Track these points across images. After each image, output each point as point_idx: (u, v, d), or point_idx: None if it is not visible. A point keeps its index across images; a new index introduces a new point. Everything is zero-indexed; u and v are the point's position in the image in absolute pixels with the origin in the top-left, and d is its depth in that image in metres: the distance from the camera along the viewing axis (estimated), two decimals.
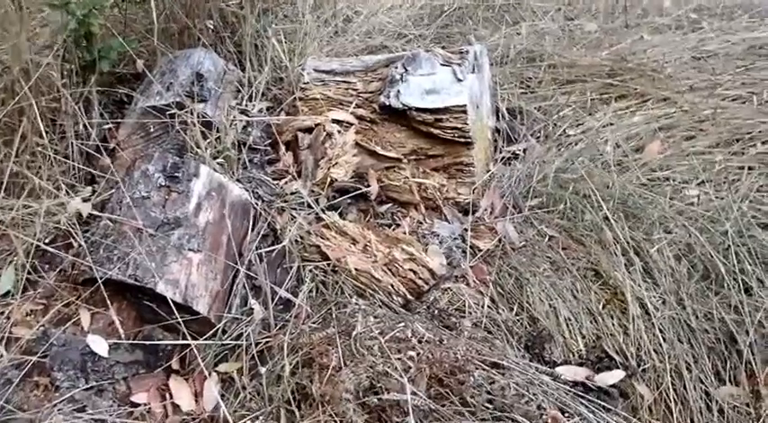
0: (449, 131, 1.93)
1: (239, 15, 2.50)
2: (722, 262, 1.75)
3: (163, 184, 1.73)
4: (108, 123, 2.02)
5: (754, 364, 1.62)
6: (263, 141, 2.03)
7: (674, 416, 1.59)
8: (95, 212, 1.71)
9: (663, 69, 2.38)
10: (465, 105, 1.90)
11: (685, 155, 2.12)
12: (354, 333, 1.40)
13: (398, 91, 1.94)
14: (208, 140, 1.95)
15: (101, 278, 1.58)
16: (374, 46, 2.52)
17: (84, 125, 2.03)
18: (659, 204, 1.93)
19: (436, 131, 1.94)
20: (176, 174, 1.74)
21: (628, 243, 1.85)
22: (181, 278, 1.63)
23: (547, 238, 1.92)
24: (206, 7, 2.39)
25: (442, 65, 1.95)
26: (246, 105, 2.14)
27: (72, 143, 2.00)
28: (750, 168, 2.06)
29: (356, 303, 1.60)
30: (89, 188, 2.01)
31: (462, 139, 1.94)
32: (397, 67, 1.97)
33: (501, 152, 2.22)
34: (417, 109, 1.92)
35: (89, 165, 2.02)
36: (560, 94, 2.40)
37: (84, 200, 1.92)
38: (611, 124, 2.25)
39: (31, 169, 1.95)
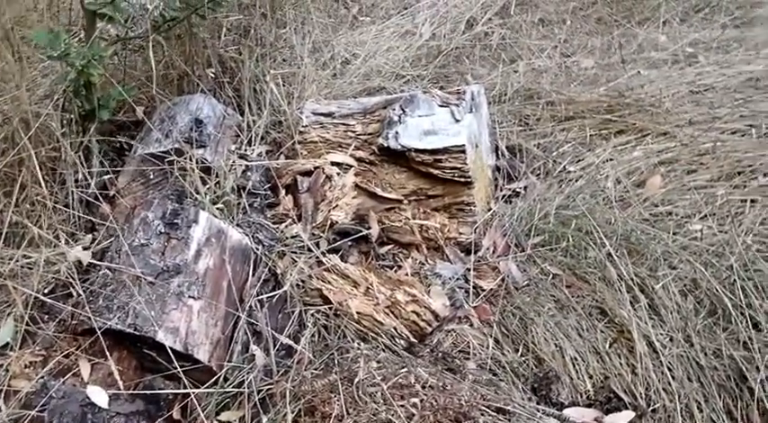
0: (448, 171, 1.93)
1: (237, 60, 2.54)
2: (729, 297, 1.72)
3: (162, 230, 1.72)
4: (108, 172, 2.02)
5: (766, 401, 1.58)
6: (262, 185, 2.03)
7: None
8: (95, 261, 1.70)
9: (661, 104, 2.38)
10: (463, 145, 1.90)
11: (687, 189, 2.10)
12: (357, 380, 1.37)
13: (397, 132, 1.94)
14: (207, 186, 1.95)
15: (100, 328, 1.57)
16: (372, 88, 2.54)
17: (84, 174, 2.04)
18: (662, 240, 1.91)
19: (436, 172, 1.94)
20: (175, 220, 1.74)
21: (632, 280, 1.83)
22: (181, 326, 1.62)
23: (550, 277, 1.90)
24: (204, 53, 2.42)
25: (439, 106, 1.96)
26: (245, 150, 2.15)
27: (72, 192, 2.01)
28: (753, 201, 2.04)
29: (358, 348, 1.57)
30: (89, 237, 2.01)
31: (462, 179, 1.94)
32: (394, 109, 1.98)
33: (502, 190, 2.21)
34: (416, 150, 1.92)
35: (89, 213, 2.02)
36: (559, 130, 2.40)
37: (85, 248, 1.92)
38: (611, 160, 2.24)
39: (31, 218, 1.95)
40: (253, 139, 2.21)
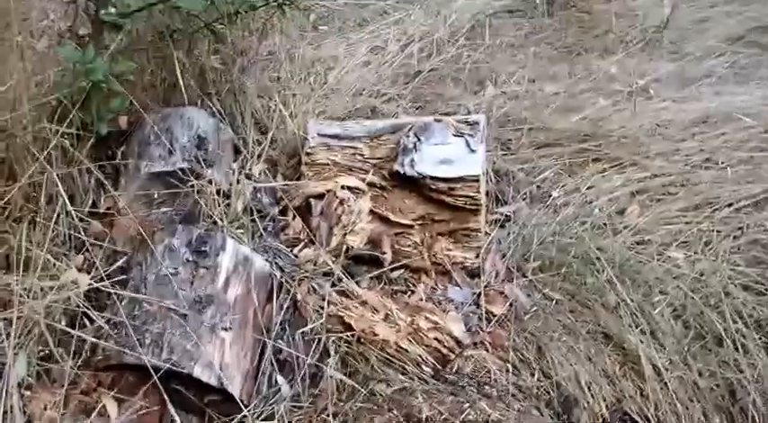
0: (461, 199, 1.99)
1: (218, 70, 2.46)
2: (718, 321, 1.90)
3: (190, 259, 1.66)
4: (104, 189, 1.91)
5: (757, 419, 1.75)
6: (272, 207, 2.00)
7: None
8: (119, 291, 1.61)
9: (630, 135, 2.55)
10: (478, 175, 1.96)
11: (661, 218, 2.28)
12: (423, 417, 1.40)
13: (413, 159, 1.97)
14: (219, 208, 1.89)
15: (134, 363, 1.50)
16: (363, 108, 2.54)
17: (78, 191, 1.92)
18: (651, 267, 2.06)
19: (449, 199, 1.99)
20: (203, 248, 1.68)
21: (629, 305, 1.96)
22: (215, 360, 1.57)
23: (554, 302, 2.00)
24: (188, 63, 2.33)
25: (454, 135, 2.00)
26: (248, 168, 2.10)
27: (68, 210, 1.88)
28: (719, 231, 2.24)
29: (402, 380, 1.59)
30: (80, 257, 1.89)
31: (473, 207, 2.00)
32: (409, 136, 2.01)
33: (493, 214, 2.29)
34: (432, 178, 1.96)
35: (83, 232, 1.90)
36: (539, 156, 2.52)
37: (79, 269, 1.81)
38: (592, 187, 2.38)
39: (18, 237, 1.81)
40: (250, 157, 2.16)
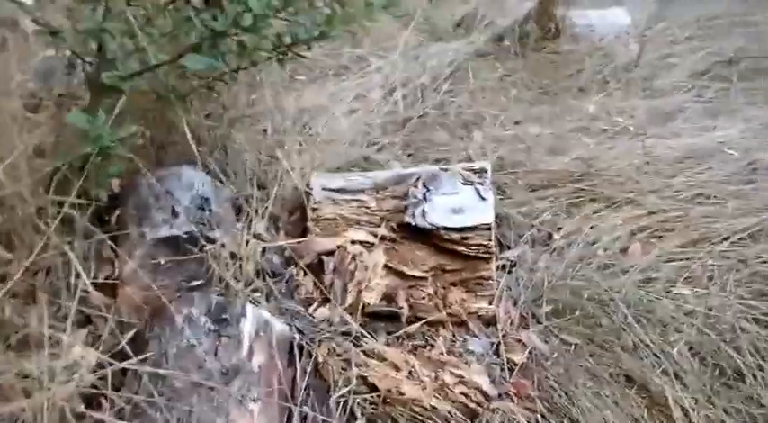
0: (473, 248, 1.96)
1: (206, 127, 2.41)
2: (736, 357, 1.90)
3: (212, 328, 1.59)
4: (112, 259, 1.83)
5: None
6: (283, 267, 1.94)
7: None
8: (140, 367, 1.52)
9: (621, 173, 2.59)
10: (490, 223, 1.95)
11: (663, 255, 2.30)
12: None
13: (423, 210, 1.95)
14: (230, 271, 1.83)
15: None
16: (357, 158, 2.52)
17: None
18: (663, 305, 2.07)
19: (461, 249, 1.97)
20: (224, 316, 1.61)
21: (647, 346, 1.96)
22: None
23: (573, 347, 1.99)
24: (180, 122, 2.27)
25: (463, 184, 1.99)
26: (252, 228, 2.04)
27: (68, 282, 1.79)
28: (720, 266, 2.27)
29: None
30: (83, 331, 1.80)
31: (486, 255, 1.98)
32: (417, 187, 1.99)
33: (499, 260, 2.27)
34: (445, 228, 1.94)
35: (84, 305, 1.81)
36: (535, 199, 2.53)
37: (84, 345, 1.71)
38: (592, 228, 2.39)
39: (19, 314, 1.71)
40: (254, 215, 2.10)
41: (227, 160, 2.40)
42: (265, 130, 2.63)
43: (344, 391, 1.70)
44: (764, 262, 2.28)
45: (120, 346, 1.66)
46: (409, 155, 2.74)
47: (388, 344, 1.90)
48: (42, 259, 1.76)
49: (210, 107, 2.44)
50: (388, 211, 2.05)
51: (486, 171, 2.04)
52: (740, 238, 2.35)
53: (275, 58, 1.65)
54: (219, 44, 1.53)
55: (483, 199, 1.97)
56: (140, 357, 1.48)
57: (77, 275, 1.83)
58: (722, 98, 3.39)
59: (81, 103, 2.10)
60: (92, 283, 1.83)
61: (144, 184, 2.05)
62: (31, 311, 1.75)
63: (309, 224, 2.05)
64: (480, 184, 1.99)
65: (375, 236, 2.00)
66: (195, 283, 1.82)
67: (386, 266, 1.96)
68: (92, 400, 1.56)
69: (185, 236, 1.80)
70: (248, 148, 2.47)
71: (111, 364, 1.52)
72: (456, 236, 1.95)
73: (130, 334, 1.69)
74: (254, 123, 2.63)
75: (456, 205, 1.96)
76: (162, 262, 1.84)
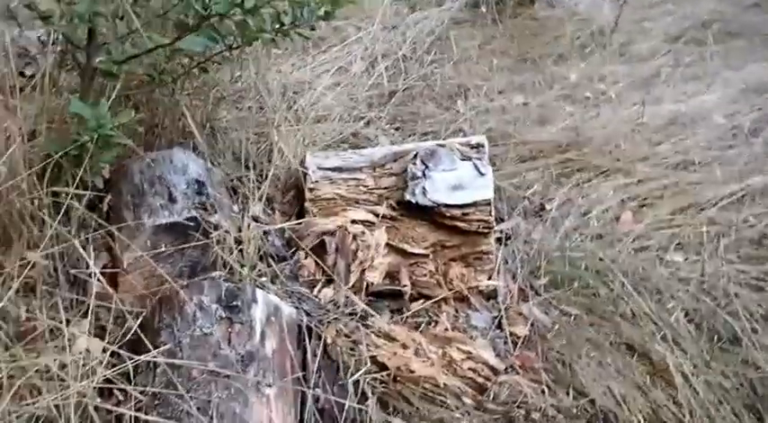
0: (475, 224, 1.97)
1: (199, 109, 2.35)
2: (731, 321, 1.96)
3: (223, 315, 1.57)
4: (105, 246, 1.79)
5: None
6: (286, 250, 1.92)
7: None
8: (156, 359, 1.49)
9: (608, 142, 2.62)
10: (490, 198, 1.95)
11: (654, 223, 2.34)
12: None
13: (424, 188, 1.94)
14: (232, 256, 1.81)
15: None
16: (346, 134, 2.49)
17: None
18: (658, 273, 2.12)
19: (463, 225, 1.97)
20: (235, 302, 1.59)
21: (645, 314, 2.00)
22: (265, 419, 1.49)
23: (573, 318, 2.02)
24: (170, 104, 2.21)
25: (462, 160, 1.99)
26: (250, 211, 2.01)
27: (68, 271, 1.75)
28: (708, 232, 2.32)
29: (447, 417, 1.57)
30: (85, 321, 1.76)
31: (485, 230, 1.99)
32: (415, 164, 1.98)
33: (494, 232, 2.28)
34: (446, 205, 1.94)
35: (84, 294, 1.78)
36: (525, 170, 2.54)
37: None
38: (583, 197, 2.42)
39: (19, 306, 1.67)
40: (249, 197, 2.07)
41: (215, 141, 2.35)
42: (251, 108, 2.58)
43: (359, 373, 1.70)
44: (751, 226, 2.35)
45: (129, 337, 1.64)
46: (396, 128, 2.72)
47: (394, 323, 1.91)
48: (40, 250, 1.72)
49: (194, 87, 2.38)
50: (386, 188, 2.04)
51: (483, 146, 2.03)
52: (728, 204, 2.40)
53: (278, 37, 1.60)
54: (219, 26, 1.48)
55: (482, 174, 1.97)
56: (160, 349, 1.45)
57: (77, 266, 1.80)
58: (699, 62, 3.42)
59: (62, 86, 2.04)
60: (93, 273, 1.80)
61: (136, 169, 2.00)
62: (31, 303, 1.71)
63: (307, 205, 2.03)
64: (479, 158, 1.99)
65: (375, 215, 1.99)
66: (200, 269, 1.79)
67: (387, 245, 1.96)
68: (103, 393, 1.54)
69: (188, 222, 1.77)
70: (236, 126, 2.42)
71: (129, 358, 1.50)
72: (457, 212, 1.95)
73: (136, 324, 1.66)
74: (238, 101, 2.58)
75: (455, 181, 1.96)
76: (164, 249, 1.81)
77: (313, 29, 1.62)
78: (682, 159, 2.58)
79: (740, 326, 1.96)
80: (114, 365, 1.50)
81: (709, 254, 2.21)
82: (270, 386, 1.54)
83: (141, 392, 1.47)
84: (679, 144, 2.63)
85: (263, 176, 2.19)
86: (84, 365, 1.54)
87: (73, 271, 1.77)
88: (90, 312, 1.73)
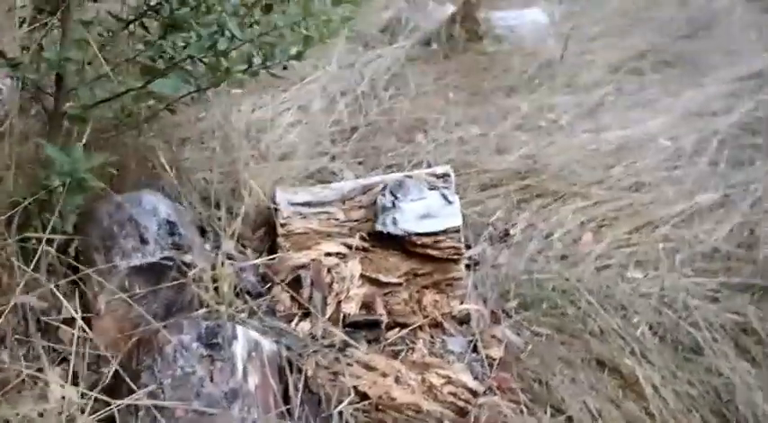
0: (446, 251, 2.02)
1: (163, 150, 2.36)
2: (693, 332, 2.05)
3: (204, 353, 1.57)
4: (84, 293, 1.77)
5: (749, 417, 1.90)
6: (260, 285, 1.94)
7: None
8: (123, 402, 1.47)
9: (564, 168, 2.72)
10: (459, 225, 2.01)
11: (613, 243, 2.44)
12: None
13: (394, 218, 1.99)
14: (209, 294, 1.81)
15: None
16: (312, 170, 2.53)
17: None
18: (621, 290, 2.20)
19: (434, 253, 2.02)
20: (215, 340, 1.59)
21: (613, 330, 2.08)
22: None
23: (544, 337, 2.08)
24: (135, 146, 2.22)
25: (429, 189, 2.05)
26: (222, 249, 2.02)
27: (39, 319, 1.73)
28: (663, 248, 2.43)
29: None
30: (57, 369, 1.73)
31: (455, 256, 2.04)
32: (384, 195, 2.03)
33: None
34: (417, 234, 1.99)
35: (56, 341, 1.75)
36: (486, 197, 2.62)
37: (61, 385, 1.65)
38: (544, 221, 2.51)
39: None
40: (221, 235, 2.09)
41: (181, 181, 2.36)
42: (214, 149, 2.60)
43: (342, 405, 1.71)
44: (701, 242, 2.46)
45: (107, 382, 1.63)
46: (360, 162, 2.78)
47: (370, 352, 1.93)
48: (9, 298, 1.70)
49: (158, 128, 2.40)
50: (356, 220, 2.08)
51: (449, 175, 2.10)
52: (679, 222, 2.52)
53: (249, 77, 1.64)
54: (193, 68, 1.51)
55: (450, 202, 2.03)
56: (143, 390, 1.44)
57: (46, 313, 1.78)
58: (639, 90, 3.61)
59: (28, 132, 2.03)
60: (63, 320, 1.78)
61: (104, 212, 2.00)
62: (1, 353, 1.68)
63: (280, 240, 2.05)
64: (446, 187, 2.05)
65: (348, 247, 2.03)
66: (175, 309, 1.79)
67: (361, 276, 1.99)
68: None
69: (164, 262, 1.77)
70: (201, 167, 2.44)
71: (108, 403, 1.48)
72: (427, 240, 2.00)
73: (111, 369, 1.65)
74: (202, 141, 2.60)
75: (424, 210, 2.01)
76: (138, 290, 1.80)
77: (285, 68, 1.67)
78: (634, 181, 2.70)
79: (701, 336, 2.05)
80: (96, 411, 1.48)
81: (666, 269, 2.31)
82: (255, 422, 1.54)
83: None
84: (630, 167, 2.76)
85: (233, 215, 2.21)
86: (59, 414, 1.52)
87: (44, 318, 1.74)
88: (68, 359, 1.72)
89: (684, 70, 3.87)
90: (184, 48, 1.57)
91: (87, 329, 1.60)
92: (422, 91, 3.41)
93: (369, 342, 1.97)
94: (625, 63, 3.93)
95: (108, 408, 1.45)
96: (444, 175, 2.10)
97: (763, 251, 2.37)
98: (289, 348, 1.79)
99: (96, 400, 1.54)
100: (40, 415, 1.51)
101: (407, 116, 3.15)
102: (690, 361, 2.03)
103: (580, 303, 2.14)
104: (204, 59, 1.54)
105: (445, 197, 2.03)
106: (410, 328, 2.01)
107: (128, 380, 1.47)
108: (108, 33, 1.72)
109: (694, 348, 2.05)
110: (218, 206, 2.28)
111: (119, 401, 1.45)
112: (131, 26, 1.76)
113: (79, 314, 1.54)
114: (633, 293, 2.22)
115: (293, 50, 1.59)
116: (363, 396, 1.78)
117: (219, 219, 2.14)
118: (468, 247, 2.43)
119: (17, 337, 1.69)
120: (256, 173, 2.43)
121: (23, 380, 1.62)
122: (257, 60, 1.63)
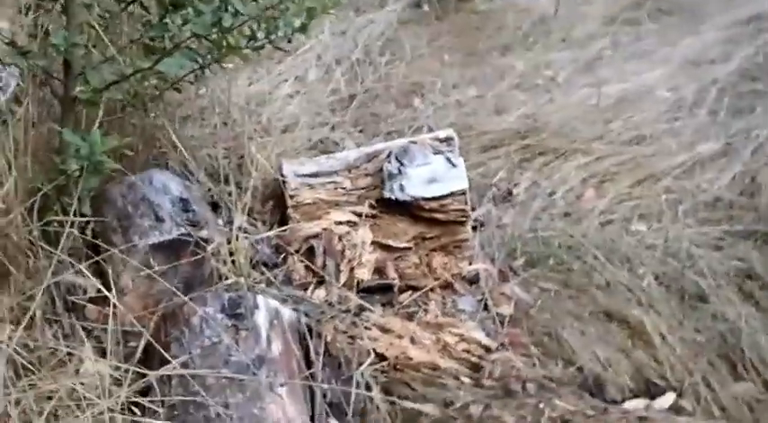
0: (452, 214, 2.07)
1: (169, 127, 2.38)
2: (700, 281, 2.11)
3: (229, 324, 1.63)
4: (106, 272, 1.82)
5: (753, 360, 1.96)
6: (275, 256, 1.99)
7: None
8: (172, 372, 1.54)
9: (564, 124, 2.75)
10: (465, 188, 2.06)
11: (615, 197, 2.48)
12: None
13: (401, 184, 2.03)
14: (227, 267, 1.86)
15: None
16: (314, 140, 2.56)
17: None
18: (626, 243, 2.25)
19: (441, 216, 2.07)
20: (239, 310, 1.65)
21: (619, 282, 2.13)
22: (281, 418, 1.56)
23: (552, 293, 2.14)
24: (142, 125, 2.25)
25: (434, 154, 2.08)
26: (234, 223, 2.06)
27: (65, 299, 1.78)
28: (666, 200, 2.48)
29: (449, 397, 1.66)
30: (87, 345, 1.79)
31: (463, 219, 2.09)
32: (390, 162, 2.06)
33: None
34: (424, 199, 2.03)
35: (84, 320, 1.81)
36: (488, 158, 2.66)
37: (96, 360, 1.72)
38: (547, 179, 2.55)
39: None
40: (232, 210, 2.12)
41: (187, 159, 2.39)
42: (216, 125, 2.62)
43: (362, 366, 1.77)
44: (704, 191, 2.51)
45: (137, 356, 1.69)
46: (360, 131, 2.80)
47: (385, 315, 1.99)
48: (37, 281, 1.75)
49: (160, 106, 2.42)
50: (363, 188, 2.12)
51: (452, 139, 2.14)
52: (680, 173, 2.56)
53: (254, 52, 1.67)
54: (197, 46, 1.53)
55: (454, 166, 2.07)
56: (177, 360, 1.50)
57: (72, 293, 1.83)
58: (636, 41, 3.60)
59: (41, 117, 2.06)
60: (88, 299, 1.83)
61: (117, 193, 2.04)
62: (33, 333, 1.73)
63: (290, 211, 2.09)
64: (450, 151, 2.09)
65: (357, 214, 2.07)
66: (195, 284, 1.84)
67: (372, 242, 2.04)
68: (124, 410, 1.58)
69: (183, 238, 1.81)
70: (205, 143, 2.46)
71: (143, 375, 1.54)
72: (434, 204, 2.05)
73: (141, 344, 1.70)
74: (203, 118, 2.62)
75: (430, 175, 2.05)
76: (158, 267, 1.85)
77: (290, 41, 1.69)
78: (634, 135, 2.73)
79: (706, 284, 2.11)
80: (134, 381, 1.54)
81: (669, 220, 2.36)
82: (282, 386, 1.60)
83: (163, 404, 1.52)
84: (629, 121, 2.78)
85: (242, 189, 2.25)
86: (96, 388, 1.58)
87: (71, 298, 1.80)
88: (97, 336, 1.79)
89: (682, 18, 3.83)
90: (183, 25, 1.59)
91: (119, 305, 1.64)
92: (416, 54, 3.40)
93: (383, 306, 2.03)
94: (620, 14, 3.88)
95: (143, 378, 1.51)
96: (448, 139, 2.14)
97: (765, 198, 2.41)
98: (307, 315, 1.84)
99: (130, 372, 1.61)
100: (74, 390, 1.57)
101: (404, 81, 3.15)
102: (695, 308, 2.10)
103: (586, 258, 2.19)
104: (210, 37, 1.56)
105: (450, 161, 2.06)
106: (422, 290, 2.07)
107: (162, 350, 1.53)
108: (107, 14, 1.73)
109: (700, 296, 2.11)
110: (226, 181, 2.31)
111: (154, 372, 1.51)
112: (131, 6, 1.77)
113: (112, 292, 1.57)
114: (638, 246, 2.27)
115: (297, 23, 1.61)
116: (382, 357, 1.85)
117: (229, 194, 2.17)
118: (473, 208, 2.47)
119: (47, 316, 1.75)
120: (260, 146, 2.46)
121: (60, 358, 1.68)
122: (260, 34, 1.65)
